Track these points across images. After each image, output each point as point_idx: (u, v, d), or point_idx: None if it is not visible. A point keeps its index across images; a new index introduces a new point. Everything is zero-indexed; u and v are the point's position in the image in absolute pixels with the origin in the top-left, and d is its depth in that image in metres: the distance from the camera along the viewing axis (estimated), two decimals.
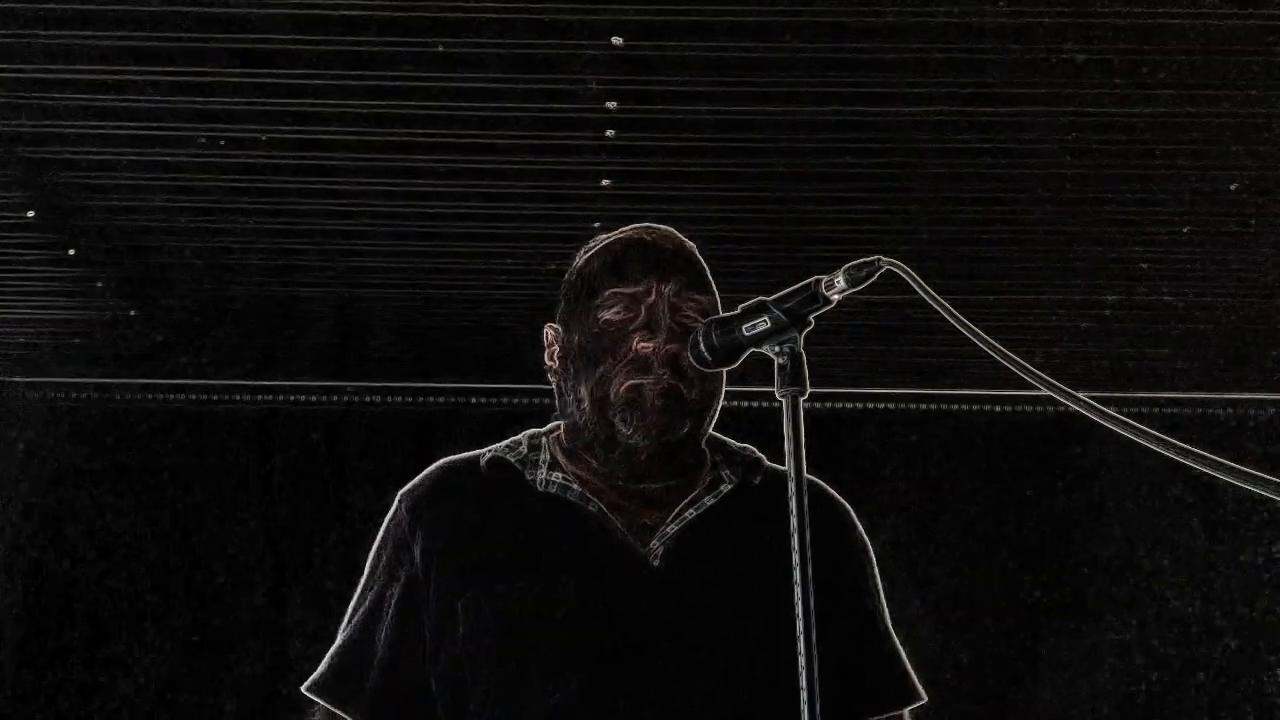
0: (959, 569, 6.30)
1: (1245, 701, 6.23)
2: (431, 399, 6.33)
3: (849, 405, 6.34)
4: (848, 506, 2.13)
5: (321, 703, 2.05)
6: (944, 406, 6.37)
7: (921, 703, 2.09)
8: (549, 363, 2.10)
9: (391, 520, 2.07)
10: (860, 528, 2.12)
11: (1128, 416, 1.53)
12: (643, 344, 1.97)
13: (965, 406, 6.35)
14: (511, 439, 2.11)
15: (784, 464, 1.70)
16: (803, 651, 1.62)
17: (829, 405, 6.23)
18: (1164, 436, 1.51)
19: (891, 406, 6.40)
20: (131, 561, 6.21)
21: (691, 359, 1.87)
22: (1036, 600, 6.29)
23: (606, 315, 2.01)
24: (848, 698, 1.98)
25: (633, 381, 1.97)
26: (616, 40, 3.60)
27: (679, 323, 1.99)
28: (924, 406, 6.39)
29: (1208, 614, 6.30)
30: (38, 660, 6.16)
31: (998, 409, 6.33)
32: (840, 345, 5.66)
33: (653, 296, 2.00)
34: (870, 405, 6.37)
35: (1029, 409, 6.26)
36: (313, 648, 6.10)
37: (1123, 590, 6.31)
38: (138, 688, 6.14)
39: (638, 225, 2.12)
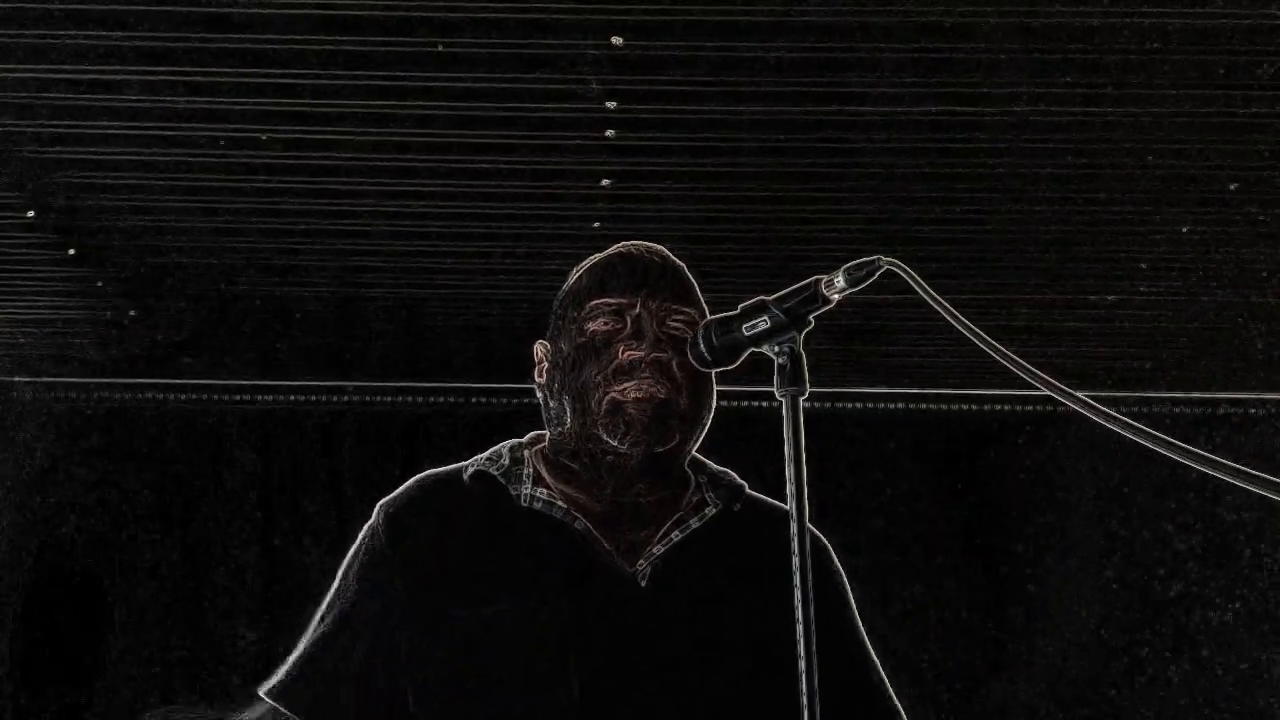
0: (960, 568, 6.30)
1: (1218, 701, 6.24)
2: (430, 399, 6.34)
3: (849, 405, 6.34)
4: (822, 537, 2.10)
5: (277, 706, 2.00)
6: (943, 406, 6.37)
7: None
8: (537, 379, 2.08)
9: (369, 532, 2.04)
10: (835, 558, 2.11)
11: (1128, 416, 1.53)
12: (629, 353, 1.96)
13: (964, 406, 6.36)
14: (492, 451, 2.08)
15: (781, 464, 1.70)
16: (802, 656, 1.62)
17: (829, 405, 6.23)
18: (1164, 436, 1.50)
19: (891, 407, 6.40)
20: (130, 561, 6.21)
21: (691, 358, 1.87)
22: (1037, 599, 6.29)
23: (593, 326, 2.00)
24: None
25: (615, 391, 1.95)
26: (616, 40, 3.60)
27: (665, 333, 1.98)
28: (923, 406, 6.39)
29: (1205, 615, 6.30)
30: (36, 658, 6.16)
31: (997, 409, 6.33)
32: (840, 345, 5.66)
33: (638, 308, 1.99)
34: (870, 405, 6.37)
35: (1029, 409, 6.26)
36: None
37: (1123, 590, 6.32)
38: (134, 686, 6.14)
39: (626, 242, 2.11)
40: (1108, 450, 6.25)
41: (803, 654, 1.62)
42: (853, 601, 2.11)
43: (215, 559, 6.24)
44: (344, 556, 2.07)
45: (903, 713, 2.08)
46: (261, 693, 2.02)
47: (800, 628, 1.64)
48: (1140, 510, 6.35)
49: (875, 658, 2.10)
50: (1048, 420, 6.27)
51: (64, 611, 6.21)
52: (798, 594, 1.64)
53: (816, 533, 2.10)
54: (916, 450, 6.40)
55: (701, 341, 1.83)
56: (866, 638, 2.10)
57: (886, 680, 2.09)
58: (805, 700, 1.61)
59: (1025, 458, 6.39)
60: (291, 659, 2.03)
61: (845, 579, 2.12)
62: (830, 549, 2.11)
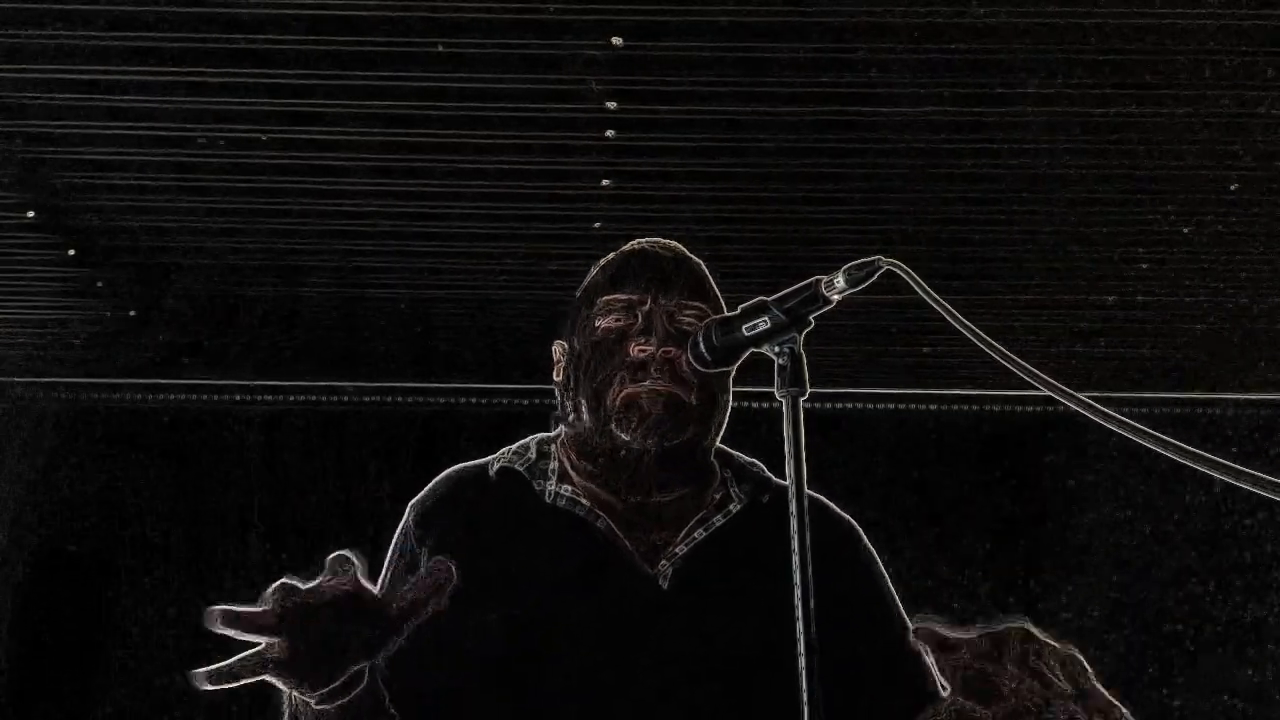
0: (959, 569, 6.30)
1: (1229, 703, 6.24)
2: (433, 399, 6.34)
3: (849, 405, 6.34)
4: (852, 521, 2.11)
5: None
6: (944, 406, 6.37)
7: None
8: (555, 379, 2.09)
9: (401, 531, 2.06)
10: (866, 540, 2.11)
11: (1128, 416, 1.53)
12: (639, 348, 1.97)
13: (965, 406, 6.36)
14: (520, 444, 2.09)
15: (784, 464, 1.70)
16: (802, 654, 1.62)
17: (829, 405, 6.22)
18: (1164, 436, 1.50)
19: (891, 406, 6.40)
20: (133, 562, 6.21)
21: (691, 358, 1.87)
22: (1036, 600, 6.29)
23: (604, 323, 2.01)
24: (891, 703, 1.98)
25: (629, 388, 1.96)
26: (616, 40, 3.60)
27: (677, 328, 1.99)
28: (924, 406, 6.39)
29: (1201, 613, 6.30)
30: (35, 660, 6.16)
31: (997, 409, 6.33)
32: (840, 345, 5.66)
33: (649, 304, 2.00)
34: (870, 405, 6.37)
35: (1029, 409, 6.26)
36: None
37: (1121, 590, 6.32)
38: (137, 688, 6.14)
39: (642, 239, 2.12)
40: (1110, 451, 6.25)
41: (803, 653, 1.62)
42: (888, 581, 2.10)
43: (219, 561, 6.24)
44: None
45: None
46: None
47: (800, 625, 1.63)
48: (1147, 512, 6.35)
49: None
50: (1048, 420, 6.27)
51: (63, 612, 6.21)
52: (797, 592, 1.64)
53: (845, 516, 2.11)
54: (916, 451, 6.40)
55: (702, 342, 1.84)
56: (905, 614, 2.09)
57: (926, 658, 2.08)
58: (805, 700, 1.61)
59: (1026, 458, 6.39)
60: None
61: (877, 558, 2.10)
62: (859, 531, 2.11)
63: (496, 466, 2.06)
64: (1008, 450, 6.39)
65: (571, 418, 2.04)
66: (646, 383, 1.96)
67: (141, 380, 6.28)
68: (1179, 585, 6.33)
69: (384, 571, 2.07)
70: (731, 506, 2.03)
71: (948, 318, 1.64)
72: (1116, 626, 6.28)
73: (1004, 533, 6.36)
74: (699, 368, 1.88)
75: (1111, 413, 1.54)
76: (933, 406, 6.39)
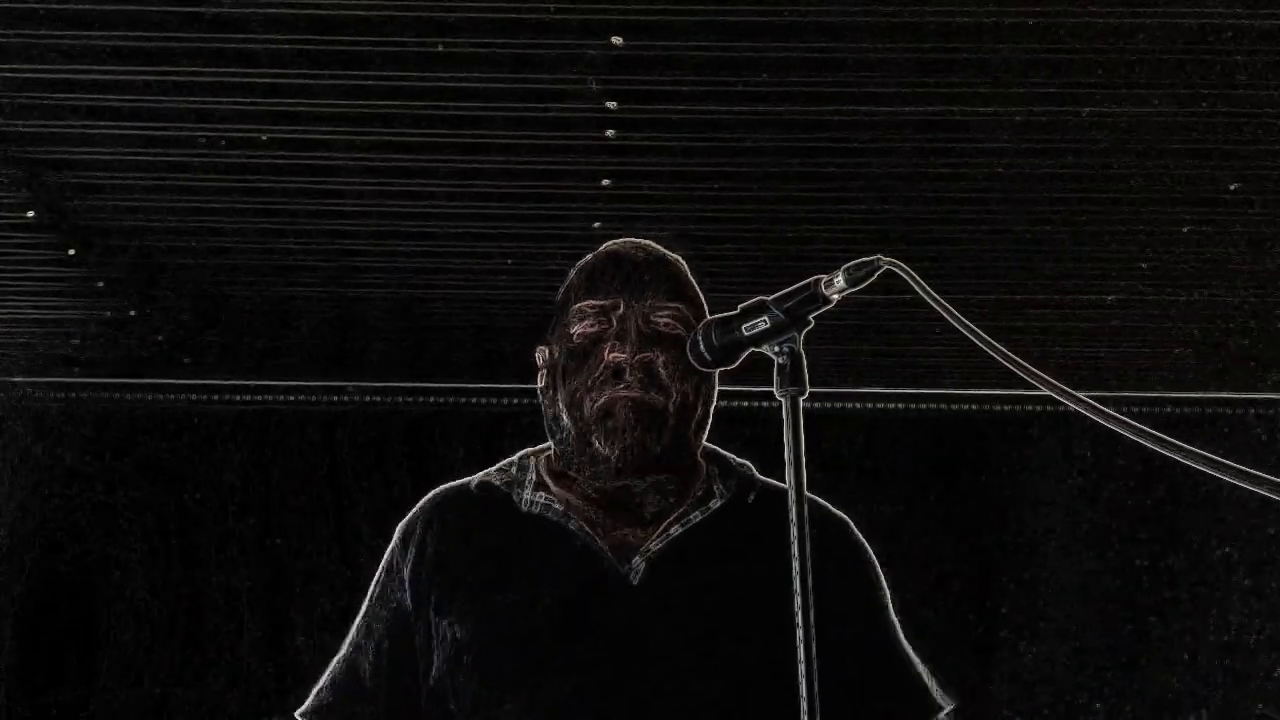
0: (958, 569, 6.30)
1: (1213, 703, 6.24)
2: (429, 399, 6.33)
3: (849, 405, 6.34)
4: (849, 522, 2.11)
5: None
6: (943, 407, 6.37)
7: (949, 709, 2.08)
8: (539, 385, 2.09)
9: (388, 553, 2.09)
10: (864, 542, 2.10)
11: (1128, 416, 1.53)
12: (614, 354, 1.97)
13: (964, 407, 6.35)
14: (504, 461, 2.10)
15: (783, 464, 1.70)
16: (802, 659, 1.62)
17: (828, 405, 6.22)
18: (1164, 436, 1.50)
19: (891, 406, 6.39)
20: (129, 562, 6.21)
21: (691, 359, 1.87)
22: (1039, 601, 6.29)
23: (579, 329, 2.01)
24: (881, 705, 1.99)
25: (605, 397, 1.96)
26: (616, 40, 3.60)
27: (653, 330, 1.98)
28: (923, 406, 6.39)
29: (1203, 615, 6.30)
30: (34, 661, 6.16)
31: (998, 409, 6.33)
32: (840, 345, 5.66)
33: (622, 308, 2.00)
34: (870, 405, 6.37)
35: (1029, 409, 6.26)
36: (309, 647, 6.11)
37: (1120, 591, 6.32)
38: (134, 689, 6.14)
39: (618, 240, 2.11)
40: (1108, 451, 6.25)
41: (802, 655, 1.62)
42: (882, 584, 2.09)
43: (214, 560, 6.23)
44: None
45: (939, 694, 2.06)
46: (298, 715, 2.08)
47: (800, 630, 1.63)
48: (1140, 510, 6.35)
49: (905, 643, 2.08)
50: (1048, 420, 6.27)
51: (61, 612, 6.20)
52: (798, 599, 1.64)
53: (841, 517, 2.11)
54: (916, 450, 6.40)
55: (701, 342, 1.83)
56: (896, 623, 2.08)
57: (920, 664, 2.08)
58: (805, 700, 1.61)
59: (1026, 458, 6.39)
60: (323, 680, 2.08)
61: (873, 560, 2.10)
62: (856, 533, 2.10)
63: (476, 481, 2.08)
64: (1007, 450, 6.39)
65: (553, 427, 2.04)
66: (621, 387, 1.95)
67: (140, 380, 6.27)
68: (1183, 584, 6.33)
69: (370, 589, 2.09)
70: (712, 503, 2.03)
71: (948, 318, 1.64)
72: (1117, 622, 6.28)
73: (1005, 532, 6.35)
74: (698, 367, 1.88)
75: (1111, 413, 1.54)
76: (932, 406, 6.38)
